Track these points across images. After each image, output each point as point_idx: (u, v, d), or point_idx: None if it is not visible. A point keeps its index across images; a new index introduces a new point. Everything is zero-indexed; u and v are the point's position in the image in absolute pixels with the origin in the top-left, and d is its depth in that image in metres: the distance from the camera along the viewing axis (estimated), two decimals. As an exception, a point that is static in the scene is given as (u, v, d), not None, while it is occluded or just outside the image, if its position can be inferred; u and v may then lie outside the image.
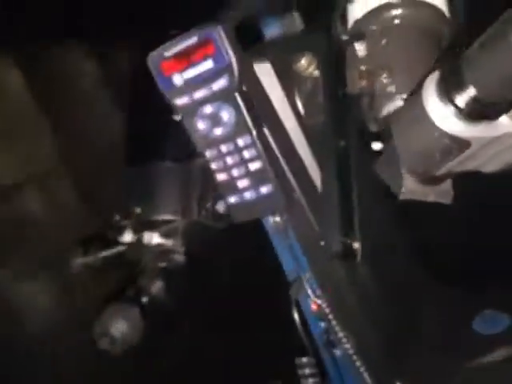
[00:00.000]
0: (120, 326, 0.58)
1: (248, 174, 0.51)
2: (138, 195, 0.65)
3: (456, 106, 0.36)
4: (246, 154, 0.50)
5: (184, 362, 0.97)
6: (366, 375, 0.58)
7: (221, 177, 0.52)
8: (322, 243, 0.49)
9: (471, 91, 0.35)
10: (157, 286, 0.62)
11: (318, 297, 0.54)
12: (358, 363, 0.57)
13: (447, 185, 0.46)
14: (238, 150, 0.50)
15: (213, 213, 0.63)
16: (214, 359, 0.97)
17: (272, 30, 0.57)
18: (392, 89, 0.49)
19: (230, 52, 0.47)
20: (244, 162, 0.51)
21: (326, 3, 0.59)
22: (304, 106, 0.54)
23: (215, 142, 0.51)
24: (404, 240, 0.67)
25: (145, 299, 0.61)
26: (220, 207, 0.64)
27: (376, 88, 0.51)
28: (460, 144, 0.38)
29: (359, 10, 0.53)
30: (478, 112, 0.36)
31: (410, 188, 0.45)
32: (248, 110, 0.48)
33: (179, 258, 0.64)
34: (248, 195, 0.52)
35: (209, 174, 0.64)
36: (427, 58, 0.50)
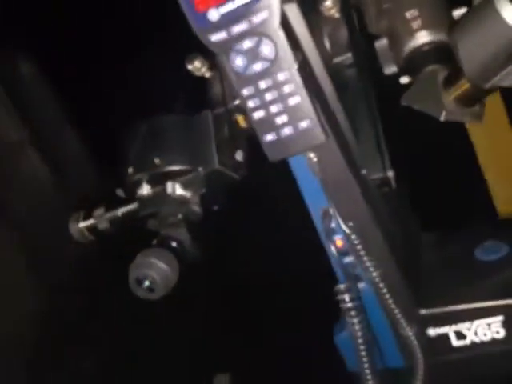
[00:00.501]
0: (160, 268, 0.54)
1: (287, 109, 0.51)
2: (153, 147, 0.63)
3: None
4: (286, 89, 0.51)
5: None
6: (390, 302, 0.61)
7: (258, 114, 0.52)
8: (364, 171, 0.51)
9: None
10: (183, 235, 0.61)
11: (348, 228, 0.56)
12: (384, 290, 0.60)
13: (480, 107, 0.49)
14: (278, 86, 0.51)
15: (232, 162, 0.63)
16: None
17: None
18: (417, 24, 0.52)
19: (273, -16, 0.47)
20: (283, 98, 0.51)
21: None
22: (329, 44, 0.55)
23: (253, 79, 0.51)
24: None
25: (174, 244, 0.60)
26: (238, 156, 0.64)
27: (397, 26, 0.54)
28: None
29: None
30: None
31: (450, 109, 0.48)
32: (290, 45, 0.49)
33: (198, 209, 0.64)
34: (287, 131, 0.52)
35: (223, 125, 0.65)
36: None
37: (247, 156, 0.65)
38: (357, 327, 0.57)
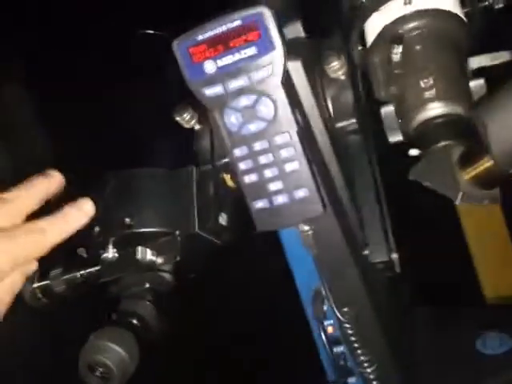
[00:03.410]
0: (117, 354, 0.46)
1: (282, 175, 0.46)
2: (123, 204, 0.56)
3: None
4: (283, 153, 0.45)
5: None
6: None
7: (250, 178, 0.47)
8: (366, 252, 0.45)
9: None
10: (146, 309, 0.53)
11: (342, 314, 0.50)
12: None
13: (497, 190, 0.45)
14: (274, 149, 0.45)
15: (215, 226, 0.56)
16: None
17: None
18: (431, 94, 0.48)
19: (278, 39, 0.42)
20: (279, 162, 0.46)
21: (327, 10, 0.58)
22: (333, 107, 0.51)
23: (248, 139, 0.46)
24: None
25: (135, 321, 0.52)
26: (222, 220, 0.57)
27: (408, 94, 0.50)
28: None
29: (381, 21, 0.52)
30: None
31: (467, 191, 0.43)
32: (291, 105, 0.44)
33: (169, 278, 0.56)
34: (280, 199, 0.47)
35: (208, 183, 0.59)
36: (458, 65, 0.50)
37: (232, 220, 0.58)
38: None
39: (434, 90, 0.47)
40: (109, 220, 0.54)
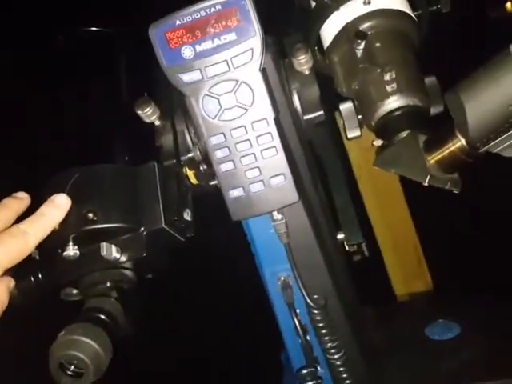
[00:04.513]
0: (90, 347, 0.43)
1: (259, 162, 0.46)
2: (85, 199, 0.52)
3: None
4: (261, 140, 0.46)
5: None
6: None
7: (226, 167, 0.46)
8: (341, 236, 0.46)
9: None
10: (113, 305, 0.50)
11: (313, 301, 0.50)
12: (345, 375, 0.54)
13: (457, 175, 0.48)
14: (252, 136, 0.46)
15: (180, 221, 0.55)
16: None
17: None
18: (393, 87, 0.51)
19: (258, 25, 0.43)
20: (256, 150, 0.46)
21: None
22: (300, 101, 0.52)
23: (225, 127, 0.45)
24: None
25: (104, 317, 0.48)
26: (187, 215, 0.56)
27: (370, 88, 0.52)
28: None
29: (342, 20, 0.55)
30: None
31: (434, 174, 0.46)
32: (269, 92, 0.45)
33: (132, 275, 0.54)
34: (257, 187, 0.47)
35: (172, 179, 0.57)
36: (414, 60, 0.53)
37: (195, 216, 0.57)
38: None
39: (395, 83, 0.50)
40: (70, 216, 0.51)
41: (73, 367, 0.43)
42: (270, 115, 0.45)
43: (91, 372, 0.43)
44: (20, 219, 0.50)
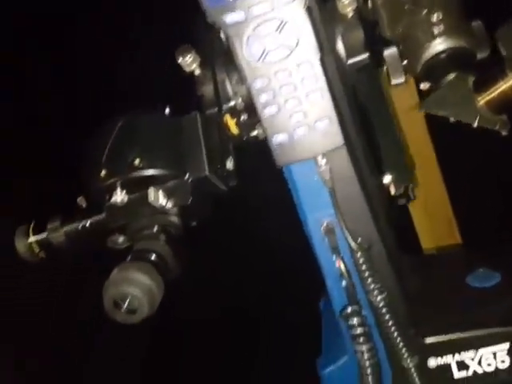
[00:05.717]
0: (143, 283, 0.44)
1: (304, 106, 0.46)
2: (132, 146, 0.53)
3: None
4: (306, 84, 0.45)
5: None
6: (393, 330, 0.56)
7: (270, 111, 0.46)
8: (387, 180, 0.46)
9: None
10: (162, 247, 0.51)
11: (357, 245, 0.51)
12: (387, 317, 0.55)
13: (505, 117, 0.47)
14: (296, 79, 0.45)
15: (223, 170, 0.55)
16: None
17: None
18: (439, 29, 0.49)
19: (302, -37, 0.42)
20: (301, 93, 0.45)
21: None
22: (344, 44, 0.51)
23: (269, 69, 0.45)
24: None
25: (153, 258, 0.49)
26: (229, 164, 0.56)
27: (417, 30, 0.51)
28: None
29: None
30: None
31: (483, 114, 0.45)
32: (315, 31, 0.44)
33: (178, 221, 0.55)
34: (301, 131, 0.47)
35: (214, 129, 0.57)
36: (460, 1, 0.52)
37: (237, 165, 0.58)
38: (366, 356, 0.51)
39: (442, 24, 0.49)
40: (116, 162, 0.52)
41: (127, 302, 0.45)
42: (316, 56, 0.45)
43: (144, 307, 0.45)
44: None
